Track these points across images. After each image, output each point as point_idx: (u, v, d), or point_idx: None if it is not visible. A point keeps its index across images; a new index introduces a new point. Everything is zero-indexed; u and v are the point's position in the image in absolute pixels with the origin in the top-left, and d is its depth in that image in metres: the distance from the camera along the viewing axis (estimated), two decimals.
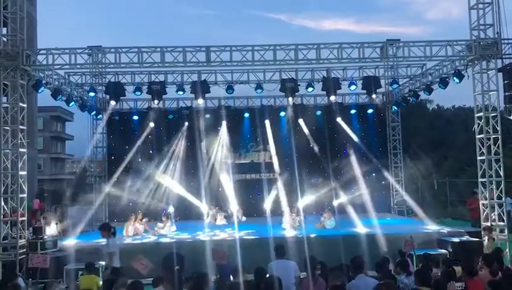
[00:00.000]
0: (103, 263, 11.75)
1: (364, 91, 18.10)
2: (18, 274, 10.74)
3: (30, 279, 10.97)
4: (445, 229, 15.18)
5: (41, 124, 46.38)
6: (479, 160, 14.17)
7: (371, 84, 16.89)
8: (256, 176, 21.00)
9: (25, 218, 13.79)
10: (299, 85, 17.26)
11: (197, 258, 10.95)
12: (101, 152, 21.06)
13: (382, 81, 18.45)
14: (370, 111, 21.10)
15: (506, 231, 13.59)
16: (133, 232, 15.62)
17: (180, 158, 20.05)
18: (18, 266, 12.59)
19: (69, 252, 13.36)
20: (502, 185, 13.82)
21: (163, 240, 14.60)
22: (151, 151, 20.28)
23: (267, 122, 20.51)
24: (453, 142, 38.19)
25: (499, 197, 13.85)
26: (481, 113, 14.05)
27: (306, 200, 18.24)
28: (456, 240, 13.67)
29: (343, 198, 18.89)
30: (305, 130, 20.57)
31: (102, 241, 11.86)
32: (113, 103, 18.25)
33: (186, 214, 18.95)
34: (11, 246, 13.12)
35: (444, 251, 13.04)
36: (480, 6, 13.88)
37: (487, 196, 13.88)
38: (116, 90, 16.90)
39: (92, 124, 20.77)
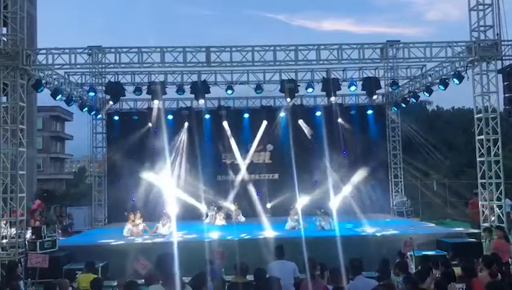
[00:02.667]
0: None
1: (364, 92, 18.11)
2: (19, 275, 10.70)
3: (29, 279, 10.95)
4: (445, 231, 15.17)
5: (40, 124, 46.25)
6: (479, 161, 14.17)
7: (370, 85, 16.88)
8: (255, 176, 20.98)
9: (24, 218, 13.77)
10: (299, 86, 17.26)
11: (196, 258, 10.92)
12: (101, 152, 21.07)
13: (382, 82, 18.45)
14: (370, 112, 21.11)
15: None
16: (132, 232, 15.61)
17: (179, 158, 20.04)
18: (20, 266, 12.53)
19: (69, 251, 13.37)
20: (502, 187, 13.82)
21: (162, 240, 14.58)
22: (150, 152, 20.28)
23: (266, 123, 20.54)
24: (453, 144, 38.18)
25: (499, 199, 13.85)
26: (481, 115, 14.06)
27: (305, 201, 18.24)
28: (456, 241, 13.65)
29: (342, 199, 18.88)
30: (305, 131, 20.60)
31: None
32: (110, 103, 18.23)
33: (185, 215, 18.93)
34: (10, 245, 13.11)
35: (443, 252, 13.03)
36: (480, 7, 13.90)
37: (487, 198, 13.88)
38: (116, 90, 16.88)
39: (91, 124, 20.80)
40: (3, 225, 13.31)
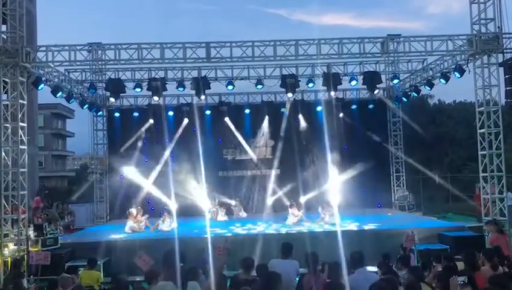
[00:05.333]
0: None
1: (365, 86, 18.06)
2: (22, 273, 10.73)
3: (31, 276, 10.99)
4: (447, 224, 15.16)
5: (42, 122, 46.32)
6: (481, 155, 14.14)
7: (371, 79, 16.84)
8: (257, 172, 20.96)
9: (25, 215, 13.79)
10: (300, 81, 17.22)
11: (198, 254, 10.93)
12: (102, 149, 21.09)
13: (383, 77, 18.42)
14: (371, 106, 21.05)
15: (507, 226, 13.55)
16: (133, 228, 15.63)
17: (180, 154, 20.02)
18: (24, 264, 12.56)
19: (71, 248, 13.39)
20: (504, 180, 13.80)
21: (163, 236, 14.59)
22: (151, 148, 20.28)
23: (268, 118, 20.51)
24: (454, 137, 38.14)
25: (500, 192, 13.83)
26: (482, 108, 14.01)
27: (307, 196, 18.23)
28: (458, 235, 13.65)
29: (344, 193, 18.84)
30: (306, 126, 20.56)
31: None
32: (112, 100, 18.22)
33: (186, 211, 18.92)
34: (12, 243, 13.12)
35: (445, 246, 13.03)
36: (481, 0, 13.81)
37: (488, 191, 13.87)
38: (116, 87, 16.86)
39: (92, 121, 20.81)
40: (5, 223, 13.32)
